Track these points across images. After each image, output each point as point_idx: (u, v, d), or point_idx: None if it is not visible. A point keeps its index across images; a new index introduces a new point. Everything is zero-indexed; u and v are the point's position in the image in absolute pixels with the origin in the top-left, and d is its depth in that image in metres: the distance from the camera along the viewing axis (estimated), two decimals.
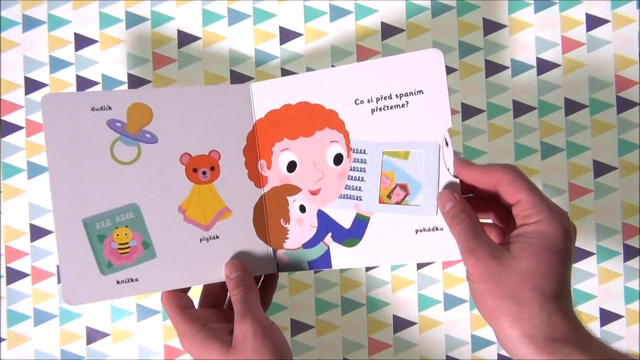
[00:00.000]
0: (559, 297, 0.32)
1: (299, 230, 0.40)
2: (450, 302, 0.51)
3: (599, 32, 0.51)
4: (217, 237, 0.40)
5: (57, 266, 0.50)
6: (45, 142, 0.37)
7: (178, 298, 0.39)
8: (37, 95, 0.50)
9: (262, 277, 0.43)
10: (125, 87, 0.50)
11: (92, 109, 0.38)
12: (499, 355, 0.50)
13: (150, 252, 0.39)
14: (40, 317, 0.50)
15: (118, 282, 0.38)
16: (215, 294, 0.42)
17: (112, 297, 0.38)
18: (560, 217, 0.33)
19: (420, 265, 0.51)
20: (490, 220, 0.39)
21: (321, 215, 0.40)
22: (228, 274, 0.39)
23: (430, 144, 0.38)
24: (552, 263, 0.32)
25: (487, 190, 0.36)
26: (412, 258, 0.39)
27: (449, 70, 0.50)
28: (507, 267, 0.32)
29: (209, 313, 0.40)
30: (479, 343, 0.51)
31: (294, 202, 0.40)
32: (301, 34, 0.51)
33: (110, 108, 0.38)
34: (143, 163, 0.39)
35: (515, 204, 0.35)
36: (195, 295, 0.41)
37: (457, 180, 0.37)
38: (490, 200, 0.37)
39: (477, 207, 0.38)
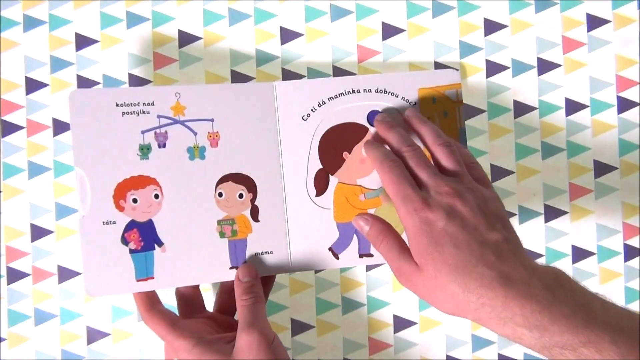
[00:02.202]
0: (472, 272, 0.32)
1: None
2: None
3: (600, 32, 0.51)
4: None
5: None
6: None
7: (163, 315, 0.38)
8: (38, 95, 0.50)
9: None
10: (126, 87, 0.50)
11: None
12: (499, 355, 0.50)
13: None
14: (41, 317, 0.50)
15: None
16: (192, 300, 0.42)
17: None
18: (410, 215, 0.34)
19: None
20: None
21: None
22: (240, 278, 0.39)
23: None
24: (439, 252, 0.33)
25: None
26: None
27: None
28: (424, 277, 0.34)
29: (199, 323, 0.40)
30: (479, 343, 0.51)
31: None
32: (302, 34, 0.51)
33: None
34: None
35: None
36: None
37: None
38: None
39: None
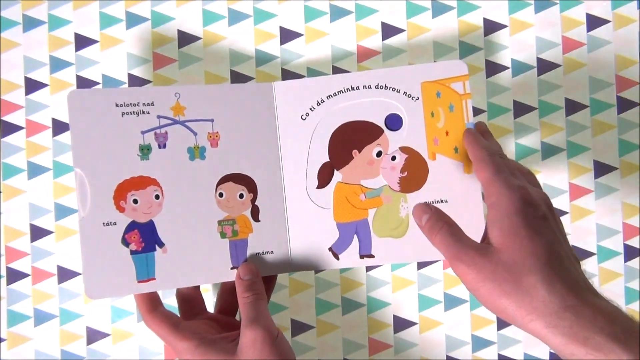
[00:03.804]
0: (561, 271, 0.30)
1: None
2: (451, 302, 0.51)
3: (600, 32, 0.51)
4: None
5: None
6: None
7: (164, 317, 0.38)
8: (37, 96, 0.50)
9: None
10: (125, 87, 0.50)
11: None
12: (499, 355, 0.50)
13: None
14: (41, 318, 0.50)
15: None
16: (193, 301, 0.42)
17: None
18: (513, 189, 0.33)
19: (420, 265, 0.51)
20: None
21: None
22: (241, 276, 0.39)
23: None
24: (531, 238, 0.31)
25: None
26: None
27: None
28: (497, 262, 0.31)
29: (201, 324, 0.40)
30: (479, 343, 0.51)
31: None
32: (301, 34, 0.51)
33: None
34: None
35: (482, 185, 0.35)
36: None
37: None
38: None
39: None
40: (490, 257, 0.32)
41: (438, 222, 0.35)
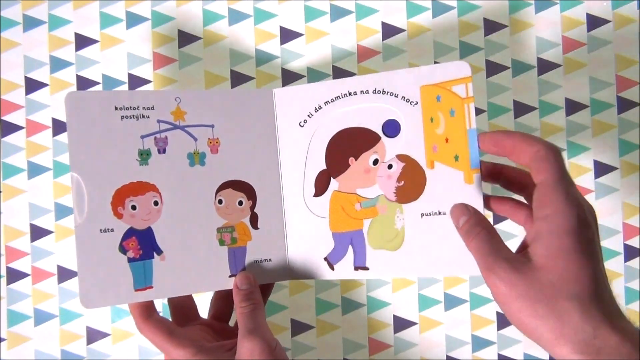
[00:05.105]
0: (598, 298, 0.29)
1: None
2: (451, 302, 0.51)
3: (600, 32, 0.51)
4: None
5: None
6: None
7: (159, 324, 0.37)
8: (37, 95, 0.50)
9: None
10: (125, 87, 0.50)
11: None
12: (499, 355, 0.50)
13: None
14: (41, 317, 0.50)
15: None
16: (186, 307, 0.41)
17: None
18: (573, 205, 0.30)
19: None
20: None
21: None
22: (239, 285, 0.38)
23: None
24: (579, 263, 0.29)
25: (518, 173, 0.36)
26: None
27: None
28: (534, 280, 0.29)
29: (196, 331, 0.39)
30: (479, 343, 0.51)
31: None
32: (302, 34, 0.51)
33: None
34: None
35: (536, 187, 0.32)
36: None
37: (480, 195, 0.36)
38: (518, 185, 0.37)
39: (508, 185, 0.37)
40: (526, 273, 0.30)
41: (476, 226, 0.33)
